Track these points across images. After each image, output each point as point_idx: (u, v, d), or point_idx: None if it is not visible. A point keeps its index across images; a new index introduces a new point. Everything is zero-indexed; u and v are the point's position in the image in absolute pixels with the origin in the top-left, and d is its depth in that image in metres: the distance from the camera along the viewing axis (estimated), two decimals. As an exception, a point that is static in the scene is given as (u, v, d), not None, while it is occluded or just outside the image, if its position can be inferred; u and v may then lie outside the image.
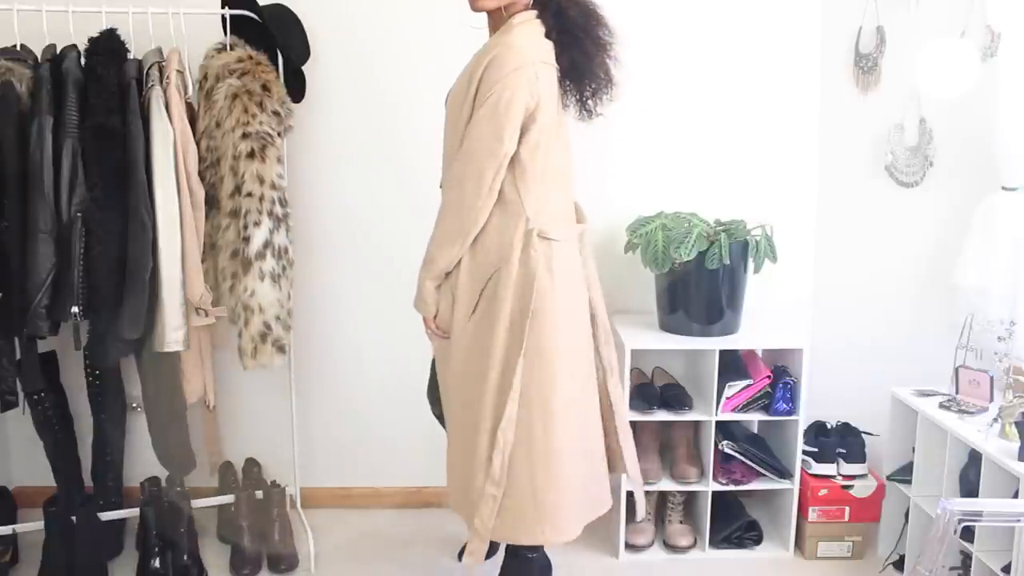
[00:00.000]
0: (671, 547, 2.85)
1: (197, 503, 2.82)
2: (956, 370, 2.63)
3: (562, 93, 2.24)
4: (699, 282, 2.76)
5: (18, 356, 2.53)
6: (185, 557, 2.65)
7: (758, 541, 2.88)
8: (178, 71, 2.44)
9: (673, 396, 2.84)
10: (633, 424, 2.80)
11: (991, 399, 2.54)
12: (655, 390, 2.89)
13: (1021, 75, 2.61)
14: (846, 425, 2.90)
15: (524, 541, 2.30)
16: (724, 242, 2.70)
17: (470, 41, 2.27)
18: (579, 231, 2.38)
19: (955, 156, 2.87)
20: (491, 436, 2.21)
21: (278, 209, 2.49)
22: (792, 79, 2.99)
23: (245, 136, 2.42)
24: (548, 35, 2.18)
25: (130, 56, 2.45)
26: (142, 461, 2.91)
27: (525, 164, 2.16)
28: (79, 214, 2.33)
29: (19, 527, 2.70)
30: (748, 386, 2.78)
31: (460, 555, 2.81)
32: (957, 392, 2.62)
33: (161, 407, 2.75)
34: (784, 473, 2.81)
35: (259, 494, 2.86)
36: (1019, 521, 1.98)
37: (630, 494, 2.60)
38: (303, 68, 2.70)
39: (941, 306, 2.88)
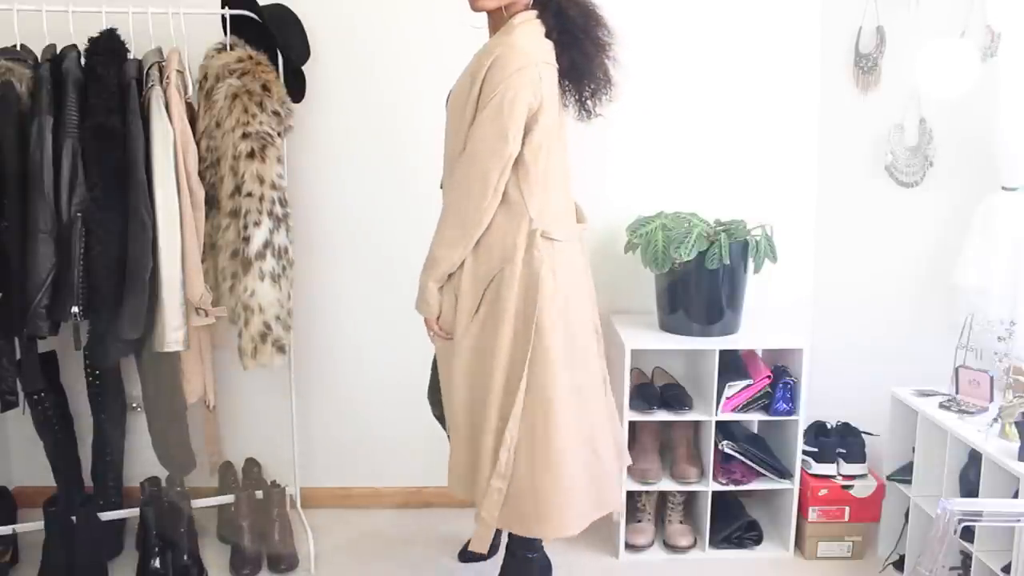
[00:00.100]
0: (671, 547, 2.85)
1: (197, 503, 2.82)
2: (956, 370, 2.63)
3: (561, 93, 2.24)
4: (699, 282, 2.76)
5: (18, 356, 2.53)
6: (185, 557, 2.65)
7: (758, 541, 2.88)
8: (178, 71, 2.44)
9: (673, 396, 2.84)
10: (633, 424, 2.81)
11: (991, 399, 2.54)
12: (655, 390, 2.89)
13: (1021, 75, 2.61)
14: (846, 425, 2.90)
15: (524, 533, 2.30)
16: (724, 242, 2.70)
17: (470, 41, 2.27)
18: (579, 231, 2.39)
19: (955, 156, 2.87)
20: (497, 433, 2.22)
21: (278, 209, 2.49)
22: (792, 79, 2.99)
23: (245, 136, 2.42)
24: (548, 35, 2.18)
25: (130, 56, 2.45)
26: (142, 461, 2.91)
27: (528, 165, 2.16)
28: (79, 214, 2.33)
29: (19, 527, 2.70)
30: (748, 386, 2.78)
31: (460, 555, 2.83)
32: (957, 392, 2.62)
33: (161, 407, 2.75)
34: (784, 473, 2.81)
35: (259, 494, 2.86)
36: (1019, 521, 1.98)
37: (630, 494, 2.60)
38: (303, 68, 2.70)
39: (941, 306, 2.88)
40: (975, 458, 2.38)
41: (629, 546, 2.83)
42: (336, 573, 2.76)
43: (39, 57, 2.40)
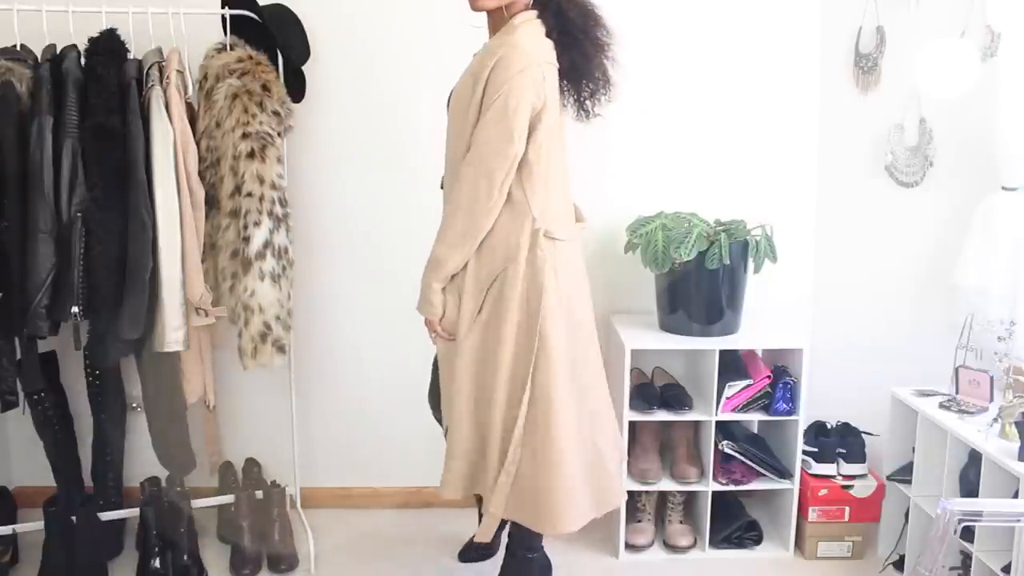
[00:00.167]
0: (671, 547, 2.85)
1: (197, 503, 2.82)
2: (956, 370, 2.63)
3: (560, 93, 2.24)
4: (699, 282, 2.76)
5: (18, 356, 2.53)
6: (185, 557, 2.65)
7: (758, 541, 2.88)
8: (178, 71, 2.44)
9: (673, 396, 2.84)
10: (633, 424, 2.81)
11: (991, 399, 2.54)
12: (655, 390, 2.89)
13: (1021, 75, 2.61)
14: (846, 425, 2.90)
15: (529, 525, 2.31)
16: (724, 242, 2.70)
17: (470, 41, 2.27)
18: (579, 230, 2.39)
19: (955, 156, 2.87)
20: (504, 431, 2.23)
21: (278, 209, 2.49)
22: (792, 79, 2.99)
23: (245, 136, 2.42)
24: (549, 35, 2.18)
25: (130, 56, 2.45)
26: (142, 461, 2.91)
27: (532, 164, 2.16)
28: (79, 214, 2.33)
29: (19, 527, 2.70)
30: (748, 386, 2.78)
31: (460, 555, 2.83)
32: (957, 392, 2.62)
33: (161, 407, 2.75)
34: (784, 473, 2.81)
35: (259, 494, 2.86)
36: (1019, 521, 1.98)
37: (630, 494, 2.60)
38: (303, 68, 2.70)
39: (941, 306, 2.88)
40: (975, 458, 2.38)
41: (629, 546, 2.83)
42: (336, 573, 2.76)
43: (39, 57, 2.40)
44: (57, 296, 2.34)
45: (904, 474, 2.69)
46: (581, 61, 2.21)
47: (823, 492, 2.80)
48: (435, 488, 2.38)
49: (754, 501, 3.03)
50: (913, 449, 2.64)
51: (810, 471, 2.83)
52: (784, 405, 2.77)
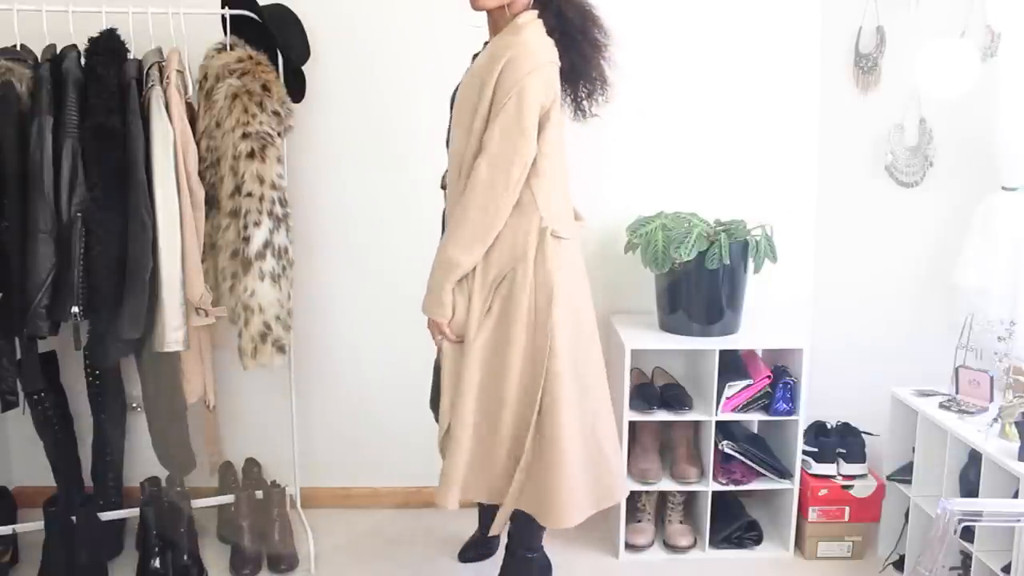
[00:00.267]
0: (671, 547, 2.85)
1: (197, 503, 2.82)
2: (956, 370, 2.63)
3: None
4: (699, 282, 2.76)
5: (18, 356, 2.53)
6: (185, 557, 2.65)
7: (758, 541, 2.88)
8: (178, 71, 2.44)
9: (673, 396, 2.84)
10: (633, 424, 2.81)
11: (991, 399, 2.54)
12: (655, 390, 2.89)
13: (1021, 75, 2.61)
14: (846, 425, 2.90)
15: (533, 515, 2.31)
16: (724, 242, 2.70)
17: (470, 41, 2.27)
18: (578, 229, 2.39)
19: (955, 156, 2.87)
20: (515, 430, 2.24)
21: (278, 209, 2.49)
22: (792, 79, 2.99)
23: (245, 136, 2.42)
24: (549, 35, 2.18)
25: (130, 56, 2.45)
26: (142, 461, 2.91)
27: (539, 164, 2.17)
28: (79, 214, 2.33)
29: (19, 527, 2.70)
30: (748, 386, 2.78)
31: (460, 555, 2.83)
32: (957, 392, 2.62)
33: (161, 407, 2.75)
34: (784, 473, 2.81)
35: (259, 494, 2.86)
36: (1019, 521, 1.98)
37: (630, 494, 2.60)
38: (303, 68, 2.70)
39: (941, 306, 2.88)
40: (975, 458, 2.38)
41: (629, 546, 2.83)
42: (336, 573, 2.76)
43: (39, 57, 2.40)
44: (57, 296, 2.34)
45: (904, 474, 2.69)
46: (579, 62, 2.22)
47: (823, 492, 2.80)
48: (433, 488, 2.38)
49: (754, 501, 3.03)
50: (913, 449, 2.64)
51: (810, 471, 2.83)
52: (784, 405, 2.77)
